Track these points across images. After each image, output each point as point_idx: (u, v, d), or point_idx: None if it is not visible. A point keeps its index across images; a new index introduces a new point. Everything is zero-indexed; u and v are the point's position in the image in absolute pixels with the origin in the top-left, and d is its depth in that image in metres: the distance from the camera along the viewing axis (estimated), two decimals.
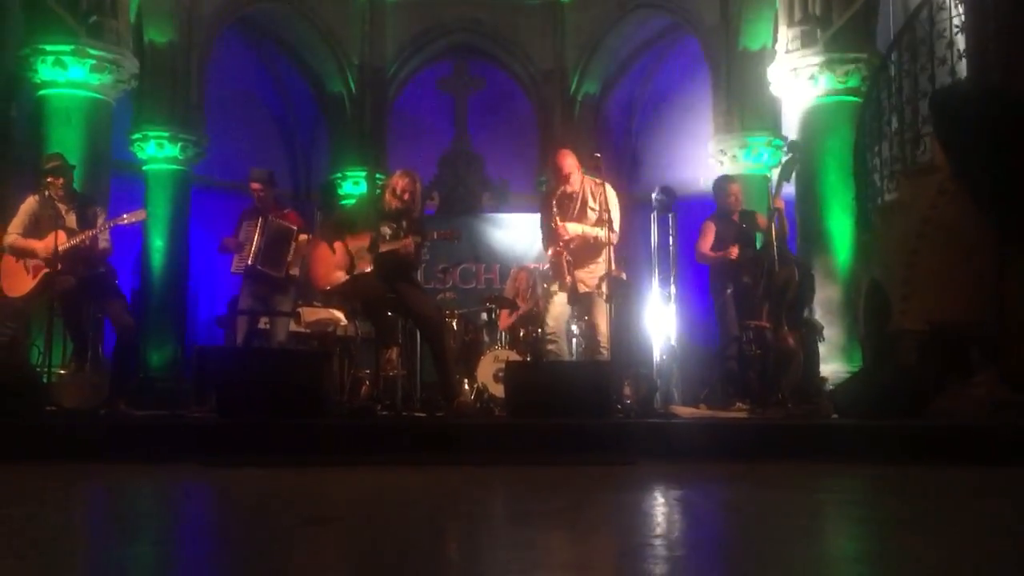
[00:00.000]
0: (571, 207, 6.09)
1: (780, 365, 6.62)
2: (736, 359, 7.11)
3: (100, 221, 6.29)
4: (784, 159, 7.04)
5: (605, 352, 6.04)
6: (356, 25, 13.34)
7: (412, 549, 2.23)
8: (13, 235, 6.22)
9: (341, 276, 6.01)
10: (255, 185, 7.10)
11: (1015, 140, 5.92)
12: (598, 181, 6.08)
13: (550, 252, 6.13)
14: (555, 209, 6.03)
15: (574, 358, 7.30)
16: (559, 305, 6.15)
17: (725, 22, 11.49)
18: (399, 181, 6.07)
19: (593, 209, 6.05)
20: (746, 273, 6.92)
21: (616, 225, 5.97)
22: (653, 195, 7.93)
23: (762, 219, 7.09)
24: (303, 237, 6.93)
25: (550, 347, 6.19)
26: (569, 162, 6.10)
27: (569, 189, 6.08)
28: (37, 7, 9.15)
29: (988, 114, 6.15)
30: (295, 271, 7.02)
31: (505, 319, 8.37)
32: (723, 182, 7.67)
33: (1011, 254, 6.17)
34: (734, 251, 7.04)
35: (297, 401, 5.14)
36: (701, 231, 7.35)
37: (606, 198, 6.00)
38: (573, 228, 6.01)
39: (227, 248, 7.08)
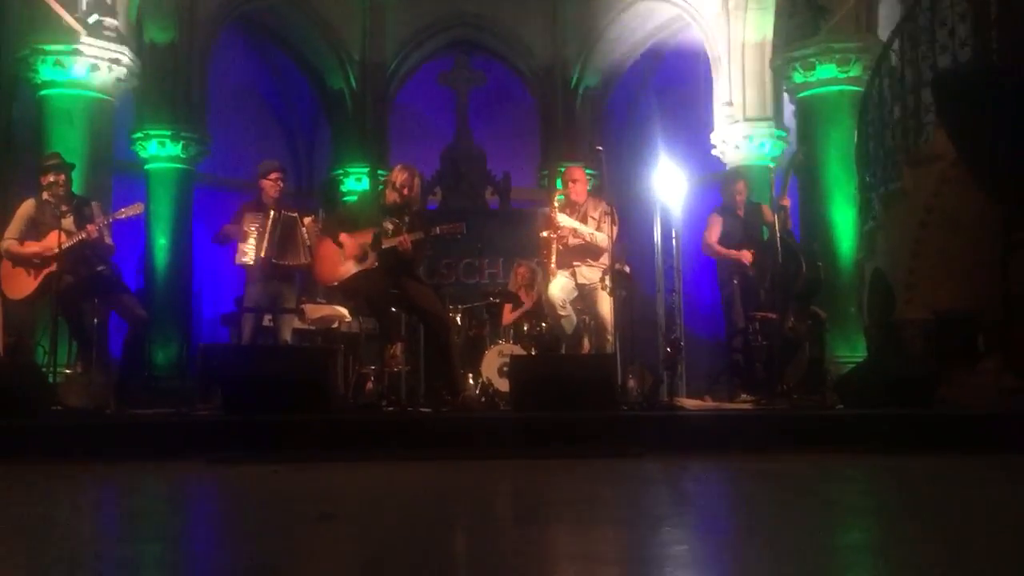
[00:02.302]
0: (572, 215, 6.50)
1: (786, 356, 6.62)
2: (742, 351, 7.11)
3: (100, 219, 6.26)
4: (798, 155, 7.06)
5: (611, 340, 6.31)
6: (356, 21, 13.31)
7: (421, 544, 2.23)
8: (9, 240, 6.20)
9: (351, 268, 5.99)
10: (276, 174, 6.75)
11: (1018, 122, 5.90)
12: (606, 209, 6.47)
13: (543, 235, 6.54)
14: (556, 204, 6.54)
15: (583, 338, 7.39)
16: (560, 282, 6.47)
17: (726, 13, 11.45)
18: (398, 175, 6.14)
19: (593, 218, 6.49)
20: (753, 265, 6.91)
21: (611, 235, 6.31)
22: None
23: (768, 212, 7.08)
24: (308, 220, 6.61)
25: (562, 320, 6.46)
26: (577, 175, 6.75)
27: (573, 196, 6.57)
28: (37, 7, 9.14)
29: (991, 95, 6.13)
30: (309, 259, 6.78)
31: (508, 314, 8.36)
32: (730, 179, 7.68)
33: (1018, 239, 6.15)
34: (746, 255, 6.98)
35: (302, 398, 5.13)
36: (708, 223, 7.34)
37: (604, 215, 6.43)
38: (566, 220, 6.41)
39: (226, 236, 6.71)
